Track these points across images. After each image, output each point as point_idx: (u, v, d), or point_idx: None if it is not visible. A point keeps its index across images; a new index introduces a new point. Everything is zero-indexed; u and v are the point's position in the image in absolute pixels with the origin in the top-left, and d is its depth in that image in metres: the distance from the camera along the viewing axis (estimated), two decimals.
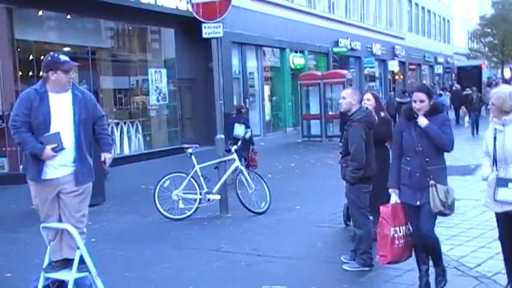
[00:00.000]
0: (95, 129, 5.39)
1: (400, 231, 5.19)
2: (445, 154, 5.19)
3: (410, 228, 5.21)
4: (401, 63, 42.37)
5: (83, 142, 5.17)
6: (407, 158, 5.17)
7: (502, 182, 4.83)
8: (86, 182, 5.24)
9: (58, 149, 4.99)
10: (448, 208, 5.05)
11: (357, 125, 5.99)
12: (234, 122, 13.04)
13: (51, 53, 5.29)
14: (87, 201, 5.33)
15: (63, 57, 5.18)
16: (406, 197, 5.19)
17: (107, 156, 5.46)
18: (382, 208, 5.26)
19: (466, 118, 22.88)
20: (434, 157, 5.12)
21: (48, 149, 4.94)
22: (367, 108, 6.38)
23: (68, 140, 5.08)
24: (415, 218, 5.16)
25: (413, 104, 5.13)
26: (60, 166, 5.09)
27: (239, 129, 13.04)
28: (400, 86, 39.56)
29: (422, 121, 5.06)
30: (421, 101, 5.09)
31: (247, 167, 13.40)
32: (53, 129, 5.02)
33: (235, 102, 21.47)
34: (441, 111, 5.26)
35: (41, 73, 5.45)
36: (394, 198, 5.25)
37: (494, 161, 4.93)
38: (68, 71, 5.12)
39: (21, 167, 5.31)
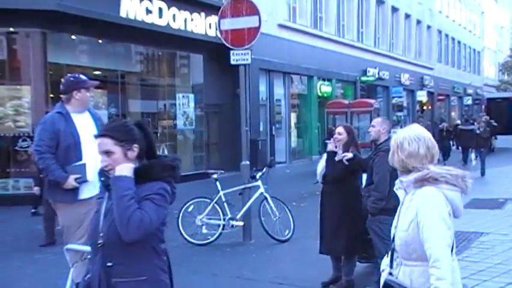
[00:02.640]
0: None
1: None
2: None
3: None
4: (430, 94, 42.12)
5: None
6: (89, 257, 3.02)
7: None
8: None
9: (81, 181, 5.02)
10: None
11: (383, 155, 5.90)
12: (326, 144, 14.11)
13: (71, 74, 5.42)
14: None
15: (83, 77, 5.35)
16: None
17: None
18: None
19: (473, 156, 19.96)
20: (125, 258, 2.82)
21: (71, 179, 4.99)
22: None
23: (95, 159, 5.15)
24: None
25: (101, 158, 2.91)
26: (95, 184, 5.16)
27: None
28: (428, 116, 39.25)
29: (121, 169, 2.84)
30: (107, 153, 2.88)
31: None
32: (83, 149, 5.08)
33: (261, 129, 21.59)
34: (159, 178, 2.87)
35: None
36: None
37: (392, 249, 3.11)
38: (89, 89, 5.29)
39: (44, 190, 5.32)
